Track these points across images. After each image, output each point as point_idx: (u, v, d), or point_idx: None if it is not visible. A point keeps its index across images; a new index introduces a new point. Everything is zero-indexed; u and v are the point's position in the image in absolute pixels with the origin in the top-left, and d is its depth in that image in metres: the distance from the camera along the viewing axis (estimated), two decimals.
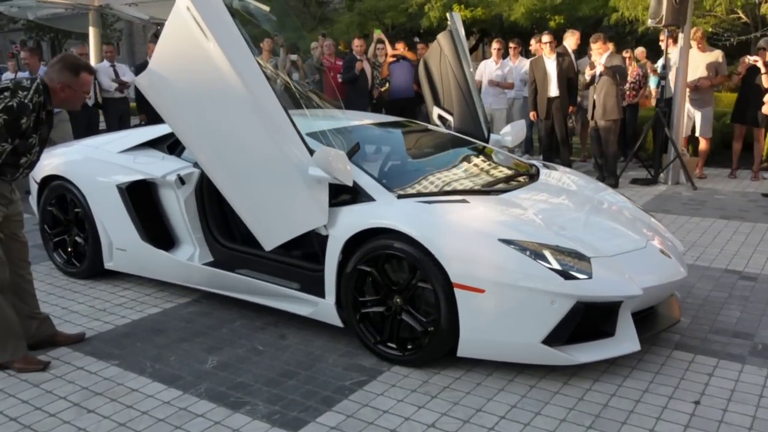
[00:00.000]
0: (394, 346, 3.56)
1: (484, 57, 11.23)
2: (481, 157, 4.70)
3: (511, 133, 5.09)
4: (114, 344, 3.92)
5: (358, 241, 3.60)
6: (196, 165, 4.47)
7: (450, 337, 3.38)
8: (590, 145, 9.07)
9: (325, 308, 3.80)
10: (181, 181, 4.39)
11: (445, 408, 3.16)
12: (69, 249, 5.08)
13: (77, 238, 5.01)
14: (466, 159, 4.59)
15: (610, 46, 8.35)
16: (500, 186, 4.14)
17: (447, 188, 3.96)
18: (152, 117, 9.35)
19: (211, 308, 4.45)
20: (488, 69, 9.94)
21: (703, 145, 8.71)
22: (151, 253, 4.54)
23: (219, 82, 3.53)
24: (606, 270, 3.36)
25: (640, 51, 10.61)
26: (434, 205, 3.58)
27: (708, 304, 4.39)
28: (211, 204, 4.46)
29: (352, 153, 3.82)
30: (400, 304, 3.52)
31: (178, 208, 4.45)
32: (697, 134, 8.69)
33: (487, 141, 5.10)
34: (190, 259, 4.43)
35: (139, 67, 9.34)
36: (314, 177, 3.60)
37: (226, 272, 4.25)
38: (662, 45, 8.57)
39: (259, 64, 3.59)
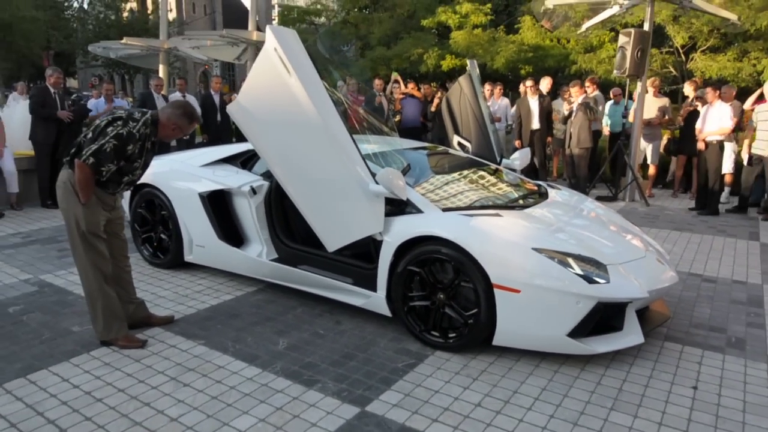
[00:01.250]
0: (437, 334, 3.31)
1: None
2: (499, 177, 4.46)
3: (519, 158, 4.86)
4: (198, 326, 3.64)
5: (408, 246, 3.35)
6: (265, 178, 4.22)
7: (487, 328, 3.14)
8: (561, 167, 8.86)
9: (376, 300, 3.54)
10: (253, 191, 4.12)
11: (486, 389, 2.91)
12: (155, 244, 4.79)
13: (162, 236, 4.72)
14: (488, 178, 4.34)
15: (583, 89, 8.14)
16: (521, 202, 3.90)
17: (481, 203, 3.72)
18: (212, 137, 9.10)
19: (275, 297, 4.17)
20: None
21: (652, 170, 8.51)
22: (226, 249, 4.27)
23: (298, 110, 3.27)
24: (619, 275, 3.13)
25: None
26: (475, 218, 3.33)
27: (683, 303, 4.16)
28: (277, 211, 4.19)
29: (405, 172, 3.56)
30: (443, 299, 3.27)
31: (250, 213, 4.17)
32: (648, 162, 8.49)
33: (499, 164, 4.86)
34: (259, 255, 4.16)
35: (204, 97, 9.04)
36: (374, 192, 3.35)
37: (290, 267, 3.98)
38: (620, 93, 8.37)
39: (330, 96, 3.33)
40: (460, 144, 5.17)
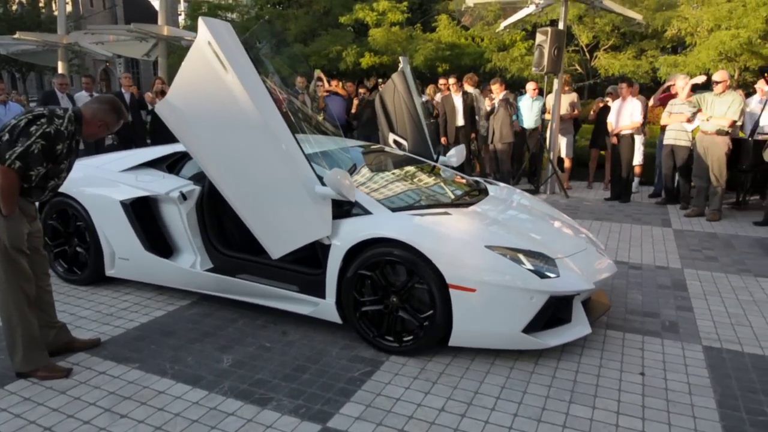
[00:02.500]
0: (391, 338, 3.20)
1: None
2: (438, 175, 4.42)
3: (456, 155, 4.85)
4: (129, 347, 3.31)
5: (357, 249, 3.22)
6: (195, 183, 3.93)
7: (442, 329, 3.08)
8: (483, 162, 9.05)
9: (325, 307, 3.38)
10: (183, 197, 3.82)
11: (447, 392, 2.84)
12: (69, 259, 4.33)
13: (78, 249, 4.27)
14: (429, 176, 4.29)
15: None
16: (465, 199, 3.87)
17: (427, 202, 3.65)
18: (123, 138, 8.45)
19: (212, 309, 3.89)
20: None
21: (567, 163, 8.88)
22: (155, 261, 3.92)
23: (235, 109, 3.04)
24: (567, 269, 3.17)
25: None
26: (425, 218, 3.25)
27: (615, 290, 4.32)
28: (210, 217, 3.91)
29: (351, 172, 3.42)
30: (396, 302, 3.17)
31: (180, 221, 3.86)
32: (562, 155, 8.85)
33: (436, 161, 4.83)
34: (192, 266, 3.86)
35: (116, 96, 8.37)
36: (320, 194, 3.19)
37: (228, 277, 3.72)
38: (535, 90, 8.63)
39: (270, 93, 3.12)
40: (395, 142, 5.09)
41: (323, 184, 3.20)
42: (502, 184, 4.64)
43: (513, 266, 2.99)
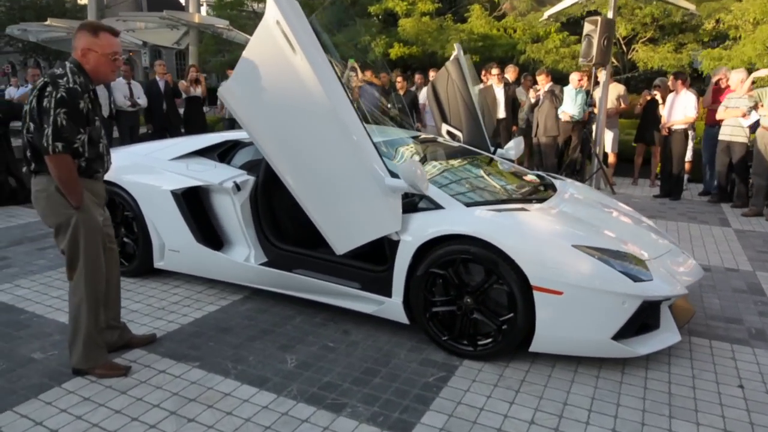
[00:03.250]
0: (465, 342, 2.99)
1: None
2: (499, 168, 4.19)
3: (514, 147, 4.62)
4: (187, 344, 3.15)
5: (429, 245, 3.01)
6: (250, 173, 3.75)
7: (522, 333, 2.86)
8: (522, 156, 8.77)
9: (391, 307, 3.18)
10: (237, 187, 3.64)
11: (533, 403, 2.63)
12: None
13: (125, 240, 4.13)
14: (492, 170, 4.06)
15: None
16: (536, 195, 3.64)
17: (499, 197, 3.42)
18: (158, 127, 8.34)
19: (267, 305, 3.72)
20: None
21: (612, 158, 8.58)
22: (207, 254, 3.76)
23: (303, 93, 2.84)
24: (658, 271, 2.93)
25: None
26: (503, 213, 3.03)
27: (691, 294, 4.04)
28: (265, 209, 3.73)
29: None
30: (471, 304, 2.96)
31: (234, 212, 3.69)
32: (607, 150, 8.54)
33: (493, 153, 4.60)
34: (246, 259, 3.68)
35: (149, 84, 8.27)
36: (391, 186, 2.98)
37: (284, 272, 3.54)
38: (585, 81, 8.33)
39: (339, 80, 2.92)
40: (449, 133, 4.87)
41: (393, 175, 3.00)
42: (567, 179, 4.39)
43: (604, 268, 2.76)
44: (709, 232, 5.82)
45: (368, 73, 9.56)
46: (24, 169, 2.67)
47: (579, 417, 2.52)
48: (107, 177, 3.92)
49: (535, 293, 2.76)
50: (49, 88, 2.47)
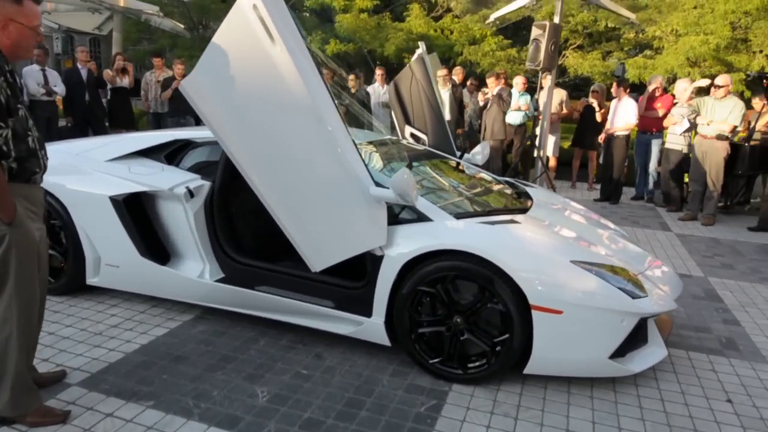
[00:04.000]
0: (454, 365, 2.77)
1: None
2: (470, 174, 4.01)
3: (480, 152, 4.46)
4: (136, 378, 2.71)
5: (415, 261, 2.76)
6: (203, 177, 3.33)
7: (517, 355, 2.67)
8: None
9: (371, 327, 2.90)
10: (191, 193, 3.21)
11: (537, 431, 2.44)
12: None
13: (51, 252, 3.56)
14: (464, 175, 3.87)
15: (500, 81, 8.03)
16: (516, 204, 3.47)
17: (483, 208, 3.21)
18: (79, 120, 7.53)
19: (223, 326, 3.32)
20: (377, 92, 9.21)
21: (553, 162, 8.71)
22: (153, 269, 3.30)
23: (281, 90, 2.49)
24: (650, 287, 2.84)
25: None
26: (496, 227, 2.83)
27: None
28: (221, 218, 3.32)
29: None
30: (460, 323, 2.74)
31: (186, 222, 3.26)
32: (549, 153, 8.66)
33: (460, 158, 4.41)
34: (200, 275, 3.27)
35: (68, 73, 7.45)
36: (377, 196, 2.69)
37: (245, 289, 3.17)
38: (525, 84, 8.38)
39: (321, 76, 2.59)
40: (413, 135, 4.64)
41: (376, 184, 2.71)
42: (534, 185, 4.28)
43: (603, 285, 2.62)
44: (654, 237, 5.96)
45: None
46: None
47: None
48: None
49: (534, 313, 2.58)
50: None
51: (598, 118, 8.24)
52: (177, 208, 3.26)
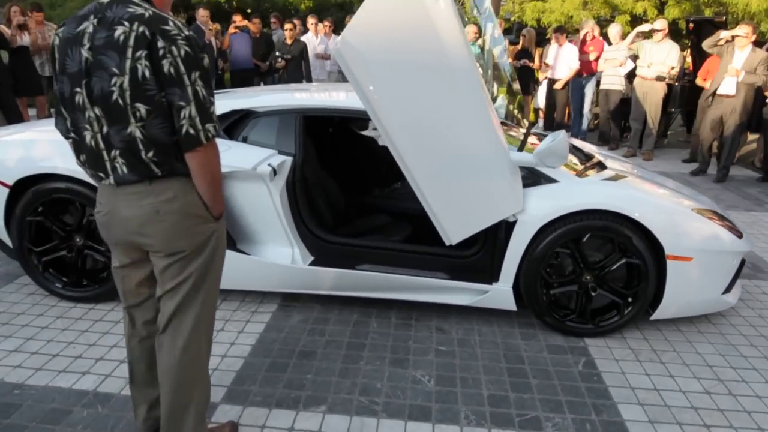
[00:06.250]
0: (585, 321, 2.85)
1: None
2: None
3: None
4: (281, 383, 2.42)
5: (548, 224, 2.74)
6: (281, 152, 2.96)
7: (647, 304, 2.82)
8: None
9: (498, 294, 2.86)
10: (274, 172, 2.85)
11: (686, 371, 2.61)
12: (73, 268, 3.04)
13: (94, 255, 3.01)
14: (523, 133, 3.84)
15: None
16: (597, 159, 3.48)
17: (582, 165, 3.21)
18: None
19: (318, 312, 3.07)
20: (311, 43, 8.71)
21: None
22: (237, 260, 2.92)
23: (438, 51, 2.25)
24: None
25: None
26: (620, 183, 2.88)
27: None
28: (303, 196, 3.01)
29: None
30: (590, 280, 2.81)
31: (271, 203, 2.90)
32: None
33: None
34: (293, 261, 2.96)
35: None
36: (517, 161, 2.61)
37: (350, 271, 2.94)
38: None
39: (464, 33, 2.37)
40: None
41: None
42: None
43: (719, 230, 2.81)
44: None
45: (237, 18, 8.37)
46: (106, 179, 1.69)
47: (731, 377, 2.59)
48: (65, 167, 2.85)
49: (669, 262, 2.71)
50: (161, 42, 1.55)
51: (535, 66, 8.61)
52: (258, 189, 2.88)
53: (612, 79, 7.52)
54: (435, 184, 2.52)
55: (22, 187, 2.96)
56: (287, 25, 7.76)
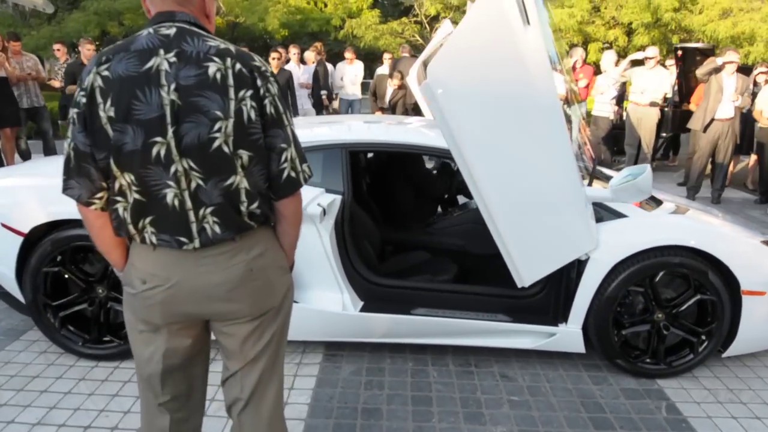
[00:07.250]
0: (658, 362, 2.70)
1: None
2: None
3: None
4: None
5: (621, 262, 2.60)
6: (328, 189, 2.74)
7: (722, 341, 2.70)
8: None
9: (567, 336, 2.69)
10: (324, 211, 2.62)
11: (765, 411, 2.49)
12: (95, 324, 2.71)
13: (118, 305, 2.69)
14: None
15: None
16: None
17: (650, 197, 3.08)
18: None
19: (368, 362, 2.82)
20: (295, 72, 8.52)
21: None
22: None
23: (525, 82, 2.10)
24: None
25: None
26: (689, 217, 2.77)
27: None
28: (350, 236, 2.78)
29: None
30: (662, 318, 2.67)
31: (321, 245, 2.67)
32: None
33: None
34: (344, 308, 2.72)
35: None
36: (591, 197, 2.46)
37: (404, 316, 2.72)
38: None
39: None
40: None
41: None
42: None
43: None
44: None
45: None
46: (189, 244, 1.43)
47: None
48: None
49: (744, 297, 2.60)
50: (259, 81, 1.36)
51: None
52: (307, 231, 2.62)
53: (601, 106, 7.59)
54: (514, 222, 2.35)
55: (36, 235, 2.64)
56: (273, 54, 7.55)
